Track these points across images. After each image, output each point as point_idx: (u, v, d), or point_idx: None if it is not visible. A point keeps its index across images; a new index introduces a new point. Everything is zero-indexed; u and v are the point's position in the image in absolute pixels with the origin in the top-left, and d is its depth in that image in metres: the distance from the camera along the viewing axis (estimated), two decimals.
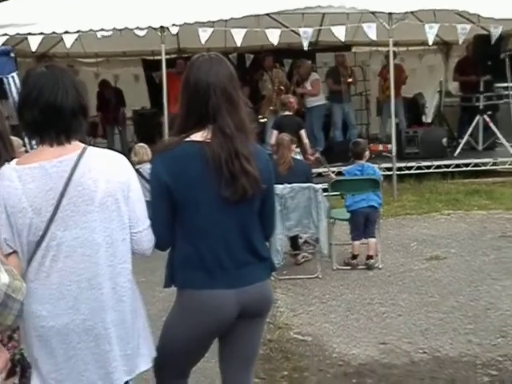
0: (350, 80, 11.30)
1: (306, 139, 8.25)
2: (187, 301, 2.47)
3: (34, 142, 6.03)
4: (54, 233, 2.11)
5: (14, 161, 2.17)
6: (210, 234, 2.39)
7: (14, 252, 2.12)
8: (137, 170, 6.34)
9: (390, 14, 9.00)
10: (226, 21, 8.66)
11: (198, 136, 2.38)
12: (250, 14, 8.60)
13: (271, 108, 10.98)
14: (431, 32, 9.04)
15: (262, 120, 10.74)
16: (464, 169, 10.06)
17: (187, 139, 2.38)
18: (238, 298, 2.42)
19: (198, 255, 2.40)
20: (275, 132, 7.87)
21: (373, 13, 9.00)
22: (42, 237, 2.10)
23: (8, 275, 1.87)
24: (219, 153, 2.33)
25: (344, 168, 7.21)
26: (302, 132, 8.13)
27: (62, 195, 2.10)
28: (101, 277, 2.16)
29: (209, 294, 2.41)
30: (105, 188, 2.15)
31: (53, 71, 2.20)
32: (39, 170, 2.11)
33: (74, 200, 2.12)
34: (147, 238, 2.31)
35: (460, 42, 9.38)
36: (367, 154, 6.55)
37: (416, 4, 9.05)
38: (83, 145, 2.21)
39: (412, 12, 9.20)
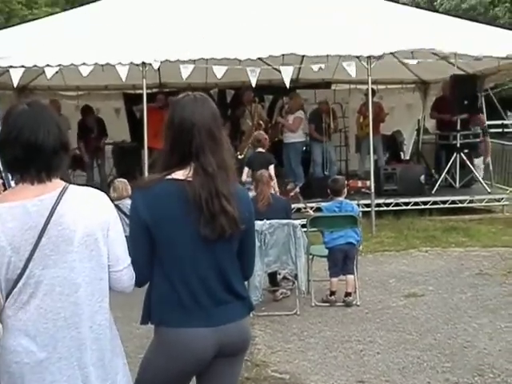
0: (332, 127, 11.37)
1: (274, 175, 8.19)
2: (163, 338, 2.44)
3: (11, 181, 6.02)
4: (33, 271, 2.09)
5: None
6: (187, 272, 2.38)
7: None
8: (116, 206, 6.35)
9: (368, 57, 9.16)
10: (207, 60, 8.74)
11: (179, 174, 2.39)
12: (230, 58, 8.68)
13: (250, 144, 11.04)
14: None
15: (240, 156, 10.76)
16: (441, 206, 10.19)
17: (168, 177, 2.39)
18: (215, 337, 2.40)
19: (175, 293, 2.38)
20: (246, 169, 7.99)
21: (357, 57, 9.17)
22: (20, 275, 2.08)
23: None
24: (200, 191, 2.33)
25: (323, 204, 7.24)
26: (271, 168, 8.13)
27: (41, 234, 2.10)
28: (78, 316, 2.15)
29: (185, 333, 2.39)
30: (84, 228, 2.15)
31: (34, 109, 2.21)
32: (20, 208, 2.10)
33: (53, 239, 2.12)
34: (127, 277, 2.31)
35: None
36: (345, 190, 6.60)
37: (394, 45, 9.24)
38: (64, 183, 2.21)
39: (391, 52, 9.36)
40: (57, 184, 2.18)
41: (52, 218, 2.11)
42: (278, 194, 8.24)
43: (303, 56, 9.44)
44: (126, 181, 6.66)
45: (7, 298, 2.10)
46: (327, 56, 9.10)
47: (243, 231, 2.44)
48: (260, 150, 8.41)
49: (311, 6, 10.82)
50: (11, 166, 2.19)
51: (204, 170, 2.36)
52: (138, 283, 2.42)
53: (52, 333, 2.12)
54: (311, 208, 9.53)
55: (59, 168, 2.21)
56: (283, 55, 9.02)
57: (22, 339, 2.09)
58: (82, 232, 2.14)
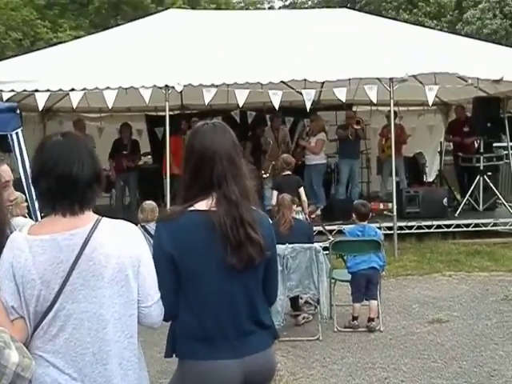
0: (358, 127, 11.32)
1: (304, 197, 8.27)
2: (189, 372, 2.40)
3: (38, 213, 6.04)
4: (62, 305, 2.09)
5: (26, 229, 2.15)
6: (213, 304, 2.36)
7: (21, 317, 2.11)
8: (143, 227, 6.39)
9: (391, 78, 9.15)
10: (228, 85, 8.80)
11: (202, 205, 2.37)
12: (253, 82, 8.73)
13: (273, 163, 11.07)
14: (431, 94, 9.19)
15: (265, 176, 10.80)
16: (465, 229, 10.06)
17: (191, 208, 2.38)
18: (241, 368, 2.37)
19: (201, 325, 2.36)
20: (275, 193, 7.92)
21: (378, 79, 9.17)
22: (50, 308, 2.09)
23: (18, 353, 1.87)
24: (225, 220, 2.31)
25: (345, 228, 7.20)
26: (301, 190, 8.17)
27: (72, 269, 2.09)
28: (106, 352, 2.14)
29: (212, 365, 2.35)
30: (115, 264, 2.14)
31: (69, 140, 2.21)
32: (51, 242, 2.10)
33: (83, 274, 2.11)
34: (157, 312, 2.28)
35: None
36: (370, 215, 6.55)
37: (417, 68, 9.23)
38: (96, 216, 2.19)
39: (413, 75, 9.35)
40: (89, 217, 2.17)
41: (83, 253, 2.10)
42: (307, 215, 8.26)
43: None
44: (154, 204, 6.70)
45: (36, 329, 2.11)
46: (349, 79, 9.10)
47: (267, 258, 2.42)
48: (287, 172, 8.39)
49: (333, 30, 10.92)
50: (45, 197, 2.18)
51: (227, 199, 2.35)
52: (165, 318, 2.38)
53: (80, 367, 2.11)
54: (332, 232, 9.56)
55: (92, 200, 2.20)
56: (305, 80, 9.04)
57: (51, 371, 2.09)
58: (113, 268, 2.13)
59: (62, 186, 2.12)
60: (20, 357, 1.88)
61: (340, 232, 9.60)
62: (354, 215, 6.56)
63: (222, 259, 2.32)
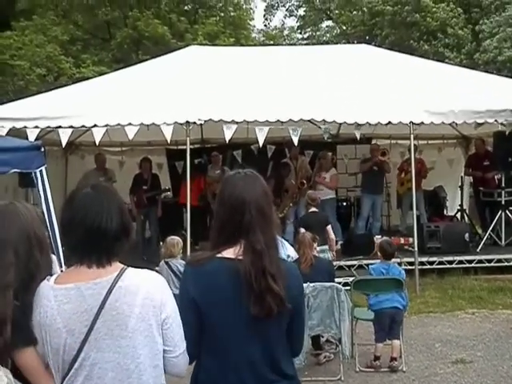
0: (384, 158, 11.34)
1: (333, 234, 8.27)
2: None
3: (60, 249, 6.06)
4: (88, 353, 2.11)
5: (52, 278, 2.19)
6: (234, 353, 2.36)
7: (48, 367, 2.15)
8: (166, 263, 6.36)
9: (411, 122, 9.23)
10: (248, 122, 8.88)
11: (229, 253, 2.39)
12: (273, 120, 8.81)
13: (294, 201, 11.11)
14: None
15: (280, 215, 10.79)
16: (487, 264, 9.93)
17: (219, 255, 2.40)
18: None
19: (222, 374, 2.36)
20: (303, 230, 7.86)
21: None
22: (76, 357, 2.11)
23: None
24: (250, 270, 2.33)
25: (366, 262, 7.13)
26: (329, 228, 8.19)
27: (96, 318, 2.11)
28: None
29: None
30: (139, 314, 2.14)
31: (98, 192, 2.23)
32: (75, 291, 2.13)
33: (107, 324, 2.12)
34: (183, 361, 2.29)
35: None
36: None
37: (438, 104, 9.29)
38: (121, 266, 2.21)
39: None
40: (115, 267, 2.20)
41: (107, 302, 2.12)
42: (334, 253, 8.23)
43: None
44: (178, 238, 6.70)
45: (64, 379, 2.13)
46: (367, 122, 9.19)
47: (292, 310, 2.40)
48: (313, 209, 8.38)
49: (352, 66, 11.01)
50: (73, 249, 2.21)
51: (253, 248, 2.36)
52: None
53: None
54: (353, 267, 9.50)
55: (120, 252, 2.22)
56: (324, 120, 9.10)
57: None
58: (136, 318, 2.14)
59: (91, 239, 2.16)
60: None
61: (361, 267, 9.55)
62: (379, 253, 6.55)
63: (245, 308, 2.32)
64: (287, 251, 6.51)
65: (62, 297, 2.12)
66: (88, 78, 12.74)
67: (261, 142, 8.92)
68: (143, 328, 2.15)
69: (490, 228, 10.67)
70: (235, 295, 2.34)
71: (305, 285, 5.67)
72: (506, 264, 9.97)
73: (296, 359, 5.40)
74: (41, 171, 6.83)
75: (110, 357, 2.12)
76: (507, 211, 10.55)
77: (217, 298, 2.35)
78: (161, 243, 9.63)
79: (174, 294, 2.33)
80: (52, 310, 2.11)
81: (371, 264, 6.93)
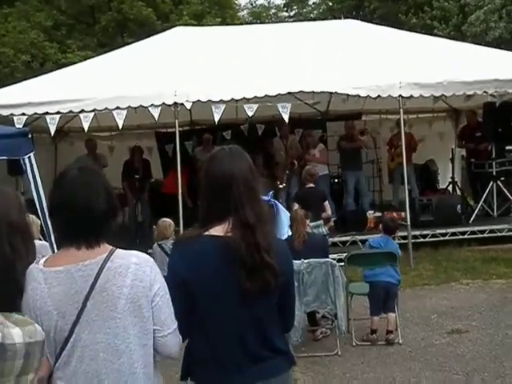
0: (363, 137, 11.35)
1: (330, 210, 8.28)
2: None
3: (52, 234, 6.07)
4: (79, 335, 2.13)
5: (42, 261, 2.20)
6: (226, 330, 2.37)
7: None
8: (159, 245, 6.37)
9: (400, 96, 9.21)
10: (237, 100, 8.82)
11: (218, 230, 2.37)
12: (261, 95, 8.75)
13: (287, 172, 11.10)
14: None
15: (281, 186, 10.83)
16: (480, 235, 9.98)
17: (207, 233, 2.38)
18: None
19: (213, 351, 2.37)
20: (296, 205, 7.88)
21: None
22: (68, 338, 2.13)
23: (18, 327, 1.88)
24: (241, 245, 2.31)
25: (361, 239, 7.17)
26: (326, 203, 8.21)
27: (86, 299, 2.13)
28: (124, 383, 2.16)
29: None
30: (128, 294, 2.15)
31: (85, 174, 2.24)
32: (65, 273, 2.14)
33: (98, 305, 2.14)
34: (173, 342, 2.29)
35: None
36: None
37: (427, 77, 9.25)
38: (110, 247, 2.22)
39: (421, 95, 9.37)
40: (103, 249, 2.20)
41: (96, 284, 2.13)
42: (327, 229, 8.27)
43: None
44: (170, 221, 6.69)
45: (57, 359, 2.15)
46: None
47: (282, 284, 2.40)
48: (311, 185, 8.36)
49: (338, 41, 10.96)
50: (61, 230, 2.23)
51: (243, 224, 2.34)
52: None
53: None
54: (346, 243, 9.54)
55: (108, 233, 2.24)
56: (313, 92, 9.06)
57: None
58: (126, 299, 2.15)
59: (79, 221, 2.17)
60: (21, 328, 1.89)
61: (354, 243, 9.59)
62: (380, 227, 6.70)
63: (236, 285, 2.32)
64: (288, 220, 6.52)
65: (52, 279, 2.13)
66: (74, 63, 12.58)
67: (250, 114, 8.85)
68: (133, 308, 2.16)
69: (482, 199, 10.71)
70: (225, 272, 2.33)
71: (299, 261, 5.71)
72: (498, 234, 10.04)
73: (293, 336, 5.54)
74: (29, 158, 6.79)
75: (100, 338, 2.14)
76: (498, 182, 10.59)
77: (206, 275, 2.34)
78: (153, 227, 9.64)
79: (165, 276, 2.33)
80: (42, 293, 2.13)
81: (364, 240, 6.99)
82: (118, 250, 2.23)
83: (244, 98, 8.73)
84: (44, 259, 2.21)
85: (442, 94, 9.38)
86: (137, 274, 2.18)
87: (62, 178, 2.24)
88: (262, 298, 2.35)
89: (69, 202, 2.17)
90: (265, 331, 2.41)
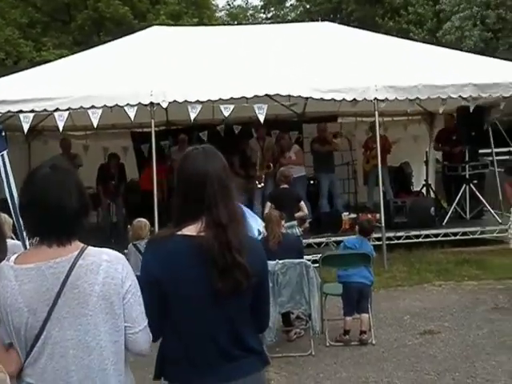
0: (336, 140, 11.43)
1: (306, 210, 8.33)
2: None
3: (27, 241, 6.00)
4: (50, 332, 2.14)
5: (13, 258, 2.20)
6: (197, 330, 2.38)
7: (12, 346, 2.18)
8: (134, 245, 6.32)
9: (375, 99, 9.30)
10: (214, 101, 8.83)
11: (191, 230, 2.38)
12: (238, 97, 8.78)
13: (266, 172, 11.13)
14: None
15: (259, 186, 10.86)
16: (453, 238, 10.11)
17: (180, 233, 2.38)
18: None
19: (186, 350, 2.38)
20: (269, 204, 7.96)
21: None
22: (38, 335, 2.14)
23: None
24: (213, 246, 2.32)
25: (336, 240, 7.22)
26: (302, 204, 8.24)
27: (57, 297, 2.14)
28: (92, 379, 2.17)
29: None
30: (99, 291, 2.17)
31: (57, 172, 2.24)
32: (35, 270, 2.14)
33: (69, 302, 2.15)
34: (143, 339, 2.30)
35: (440, 111, 9.65)
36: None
37: (402, 80, 9.35)
38: (82, 245, 2.23)
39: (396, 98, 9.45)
40: (75, 246, 2.21)
41: (68, 281, 2.14)
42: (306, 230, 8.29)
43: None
44: (145, 221, 6.65)
45: (27, 357, 2.16)
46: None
47: (256, 284, 2.41)
48: (285, 186, 8.40)
49: (314, 43, 11.02)
50: (32, 228, 2.24)
51: (216, 223, 2.35)
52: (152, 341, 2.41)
53: None
54: (321, 244, 9.59)
55: (79, 231, 2.25)
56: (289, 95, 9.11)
57: None
58: (97, 296, 2.17)
59: (51, 219, 2.18)
60: None
61: (328, 244, 9.65)
62: (357, 228, 6.77)
63: (208, 285, 2.32)
64: (259, 226, 6.54)
65: (23, 277, 2.14)
66: (49, 62, 12.46)
67: (226, 115, 8.86)
68: (104, 305, 2.18)
69: (455, 202, 10.84)
70: (197, 272, 2.33)
71: (273, 262, 5.73)
72: (471, 237, 10.19)
73: (267, 336, 5.56)
74: (2, 156, 6.75)
75: (71, 334, 2.15)
76: (471, 185, 10.74)
77: (179, 275, 2.34)
78: (128, 227, 9.58)
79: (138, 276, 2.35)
80: (13, 290, 2.13)
81: (339, 241, 7.05)
82: (90, 247, 2.24)
83: (220, 99, 8.73)
84: (15, 256, 2.22)
85: (417, 98, 9.46)
86: (108, 272, 2.19)
87: (34, 175, 2.25)
88: (235, 298, 2.35)
89: (41, 200, 2.17)
90: (237, 331, 2.41)
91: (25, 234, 6.50)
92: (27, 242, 6.21)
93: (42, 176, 2.22)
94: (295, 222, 7.84)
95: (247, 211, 7.37)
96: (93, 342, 2.17)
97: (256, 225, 6.75)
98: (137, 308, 2.26)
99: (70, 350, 2.15)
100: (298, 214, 8.08)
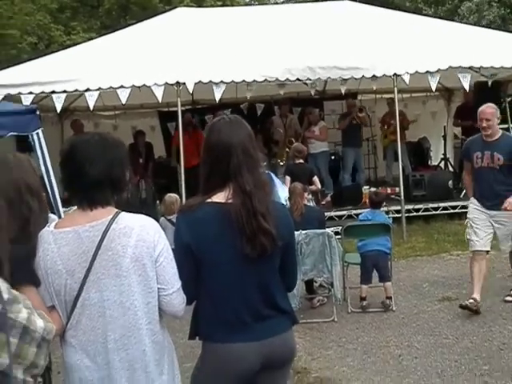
0: (362, 114, 11.63)
1: (319, 185, 8.56)
2: (209, 354, 2.56)
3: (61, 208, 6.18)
4: (88, 293, 2.24)
5: (52, 224, 2.32)
6: (229, 291, 2.48)
7: (54, 308, 2.29)
8: (169, 220, 6.57)
9: (395, 74, 9.46)
10: (237, 82, 9.06)
11: (219, 197, 2.47)
12: (260, 80, 9.01)
13: (287, 150, 11.38)
14: (433, 80, 9.45)
15: (282, 163, 11.12)
16: None
17: (209, 200, 2.48)
18: (259, 351, 2.49)
19: (219, 311, 2.49)
20: (289, 178, 8.20)
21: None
22: (77, 297, 2.24)
23: (41, 319, 2.02)
24: (240, 213, 2.41)
25: (357, 213, 7.41)
26: (315, 179, 8.46)
27: (93, 259, 2.23)
28: (127, 338, 2.28)
29: (229, 348, 2.48)
30: (132, 254, 2.26)
31: (98, 142, 2.34)
32: (72, 234, 2.25)
33: (104, 264, 2.25)
34: (177, 300, 2.39)
35: (467, 89, 9.77)
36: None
37: (422, 64, 9.50)
38: (116, 210, 2.33)
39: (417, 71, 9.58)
40: (109, 211, 2.31)
41: (102, 243, 2.24)
42: (323, 203, 8.48)
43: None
44: (176, 196, 6.88)
45: (69, 319, 2.28)
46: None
47: (283, 248, 2.51)
48: (300, 161, 8.65)
49: (335, 22, 11.14)
50: (71, 194, 2.35)
51: (242, 190, 2.43)
52: (186, 303, 2.50)
53: (105, 353, 2.28)
54: (343, 217, 9.84)
55: (106, 200, 2.33)
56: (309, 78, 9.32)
57: (84, 358, 2.28)
58: (130, 258, 2.25)
59: (77, 184, 2.30)
60: (44, 321, 2.02)
61: (350, 217, 9.90)
62: (368, 202, 6.96)
63: (237, 249, 2.42)
64: (286, 196, 6.78)
65: (61, 240, 2.25)
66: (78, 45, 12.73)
67: (249, 95, 9.07)
68: (137, 267, 2.27)
69: None
70: (226, 237, 2.44)
71: (297, 232, 5.88)
72: None
73: (292, 303, 5.78)
74: (37, 134, 6.85)
75: (107, 295, 2.25)
76: None
77: (209, 240, 2.45)
78: (157, 202, 9.91)
79: (173, 249, 2.43)
80: (52, 253, 2.24)
81: (360, 214, 7.32)
82: (123, 213, 2.33)
83: (244, 81, 8.98)
84: (54, 223, 2.34)
85: (438, 69, 9.53)
86: (141, 235, 2.28)
87: (74, 143, 2.35)
88: (263, 261, 2.46)
89: (75, 167, 2.28)
90: (267, 292, 2.52)
91: (61, 209, 6.83)
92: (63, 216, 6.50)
93: (81, 142, 2.33)
94: (310, 196, 8.10)
95: (277, 181, 7.62)
96: (127, 303, 2.25)
97: (283, 194, 6.99)
98: (169, 270, 2.34)
99: (107, 310, 2.24)
100: (310, 187, 8.32)
